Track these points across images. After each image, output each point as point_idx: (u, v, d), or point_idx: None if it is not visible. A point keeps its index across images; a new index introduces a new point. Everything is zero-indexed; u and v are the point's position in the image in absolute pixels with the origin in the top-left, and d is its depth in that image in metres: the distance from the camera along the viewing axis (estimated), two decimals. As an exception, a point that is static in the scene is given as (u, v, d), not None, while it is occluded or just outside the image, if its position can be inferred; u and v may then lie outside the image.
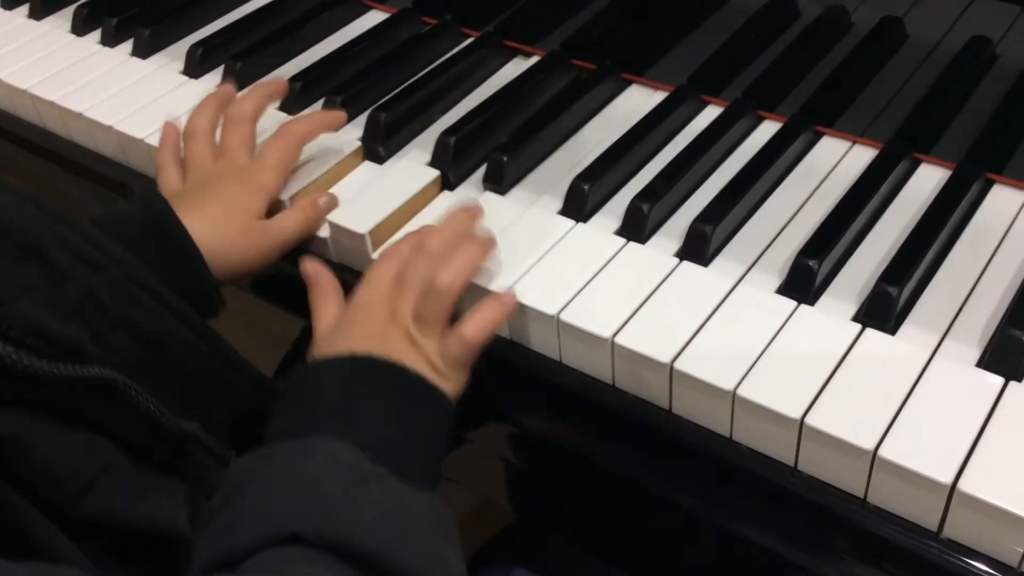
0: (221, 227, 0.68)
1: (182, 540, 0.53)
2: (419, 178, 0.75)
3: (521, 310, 0.64)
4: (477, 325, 0.63)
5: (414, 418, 0.59)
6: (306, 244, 0.74)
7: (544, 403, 0.68)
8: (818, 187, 0.72)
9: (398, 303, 0.64)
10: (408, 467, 0.56)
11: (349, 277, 0.69)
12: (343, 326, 0.65)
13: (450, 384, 0.63)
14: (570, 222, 0.70)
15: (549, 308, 0.63)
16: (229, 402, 0.63)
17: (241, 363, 0.64)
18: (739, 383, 0.57)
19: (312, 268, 0.70)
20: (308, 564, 0.48)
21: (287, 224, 0.72)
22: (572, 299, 0.64)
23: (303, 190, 0.75)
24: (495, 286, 0.65)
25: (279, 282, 0.79)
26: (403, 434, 0.59)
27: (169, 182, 0.75)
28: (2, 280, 0.49)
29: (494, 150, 0.76)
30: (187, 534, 0.53)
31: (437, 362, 0.62)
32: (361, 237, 0.70)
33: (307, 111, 0.85)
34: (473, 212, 0.69)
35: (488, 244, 0.67)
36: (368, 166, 0.79)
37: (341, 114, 0.80)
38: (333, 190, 0.76)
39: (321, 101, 0.85)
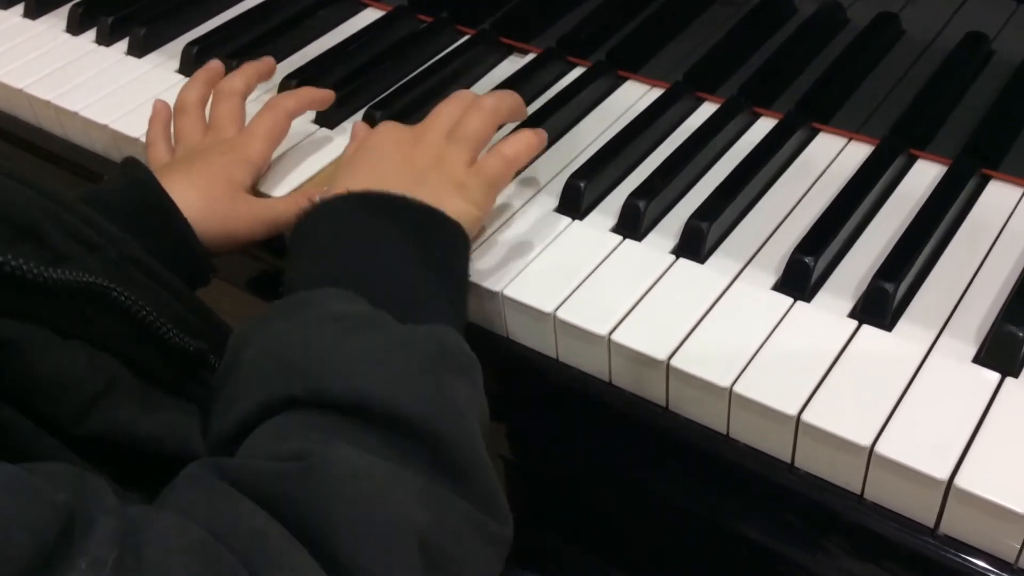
0: (205, 194, 0.68)
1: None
2: (415, 176, 0.75)
3: (518, 308, 0.64)
4: (516, 146, 0.65)
5: (425, 253, 0.59)
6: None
7: (541, 401, 0.68)
8: (814, 183, 0.73)
9: (426, 128, 0.66)
10: (423, 300, 0.56)
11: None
12: (364, 151, 0.65)
13: (475, 206, 0.63)
14: (566, 219, 0.70)
15: (546, 306, 0.63)
16: None
17: None
18: (736, 380, 0.57)
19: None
20: (304, 429, 0.47)
21: (276, 205, 0.72)
22: (569, 296, 0.64)
23: (298, 188, 0.75)
24: (490, 284, 0.65)
25: (278, 281, 0.79)
26: (412, 271, 0.58)
27: (158, 156, 0.76)
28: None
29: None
30: (200, 454, 0.52)
31: (466, 180, 0.63)
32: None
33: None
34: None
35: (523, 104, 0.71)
36: (364, 164, 0.79)
37: (330, 92, 0.80)
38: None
39: (317, 99, 0.84)
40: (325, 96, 0.79)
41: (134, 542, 0.38)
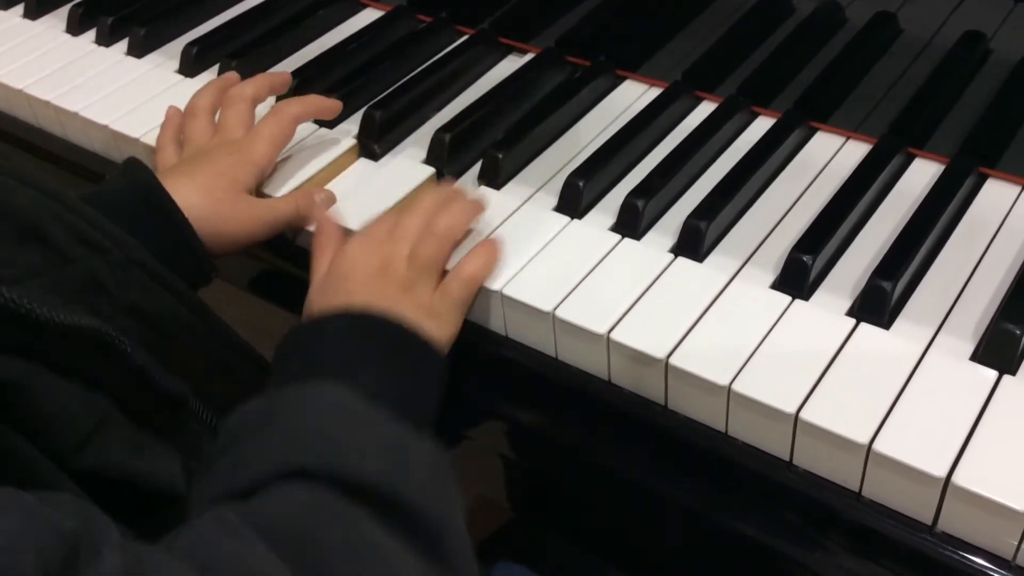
0: (208, 195, 0.68)
1: (181, 501, 0.53)
2: (414, 175, 0.75)
3: (517, 307, 0.65)
4: (476, 263, 0.65)
5: (406, 373, 0.59)
6: (296, 239, 0.74)
7: (540, 400, 0.68)
8: (812, 182, 0.73)
9: (393, 251, 0.65)
10: (411, 416, 0.56)
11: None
12: (334, 277, 0.65)
13: (446, 329, 0.63)
14: (565, 219, 0.70)
15: (545, 305, 0.63)
16: (228, 383, 0.63)
17: (240, 344, 0.64)
18: (734, 378, 0.57)
19: (322, 216, 0.70)
20: (316, 497, 0.48)
21: (278, 206, 0.72)
22: (568, 295, 0.64)
23: (299, 187, 0.75)
24: (489, 283, 0.65)
25: (278, 281, 0.79)
26: (396, 389, 0.59)
27: (167, 160, 0.76)
28: (7, 263, 0.50)
29: (489, 147, 0.76)
30: (185, 496, 0.53)
31: (434, 305, 0.63)
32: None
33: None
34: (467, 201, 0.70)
35: (479, 204, 0.69)
36: (363, 163, 0.79)
37: (337, 103, 0.80)
38: (328, 187, 0.76)
39: (316, 99, 0.85)
40: (331, 106, 0.79)
41: None
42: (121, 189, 0.66)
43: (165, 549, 0.43)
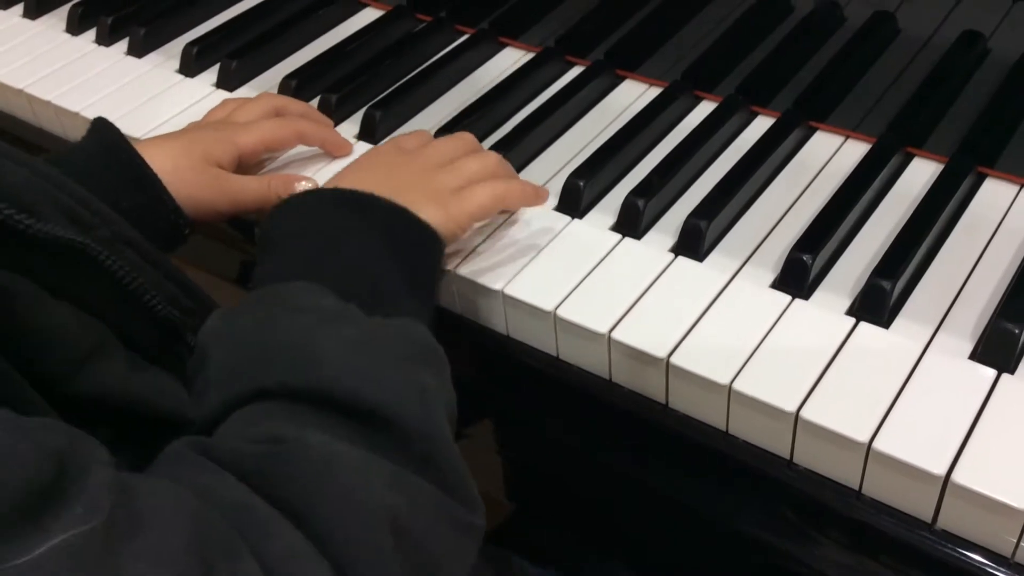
0: (175, 159, 0.68)
1: (186, 425, 0.52)
2: (415, 175, 0.75)
3: (518, 306, 0.65)
4: (512, 186, 0.66)
5: (395, 252, 0.59)
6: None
7: (541, 398, 0.68)
8: (812, 182, 0.73)
9: (419, 152, 0.66)
10: (388, 293, 0.56)
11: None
12: (351, 166, 0.66)
13: (452, 221, 0.63)
14: (566, 218, 0.71)
15: (546, 304, 0.64)
16: None
17: None
18: (735, 377, 0.58)
19: None
20: (276, 419, 0.48)
21: (247, 184, 0.72)
22: (569, 295, 0.64)
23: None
24: (491, 283, 0.65)
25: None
26: (381, 269, 0.59)
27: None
28: None
29: (489, 148, 0.76)
30: (189, 420, 0.53)
31: (448, 199, 0.63)
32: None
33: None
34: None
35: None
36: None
37: (348, 144, 0.79)
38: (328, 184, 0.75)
39: (317, 99, 0.85)
40: (340, 144, 0.78)
41: (127, 498, 0.39)
42: (90, 147, 0.67)
43: (150, 473, 0.44)
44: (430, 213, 0.62)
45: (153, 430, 0.51)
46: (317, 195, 0.62)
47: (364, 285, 0.57)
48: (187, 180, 0.68)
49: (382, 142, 0.69)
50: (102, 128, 0.68)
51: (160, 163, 0.67)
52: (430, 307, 0.61)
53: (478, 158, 0.68)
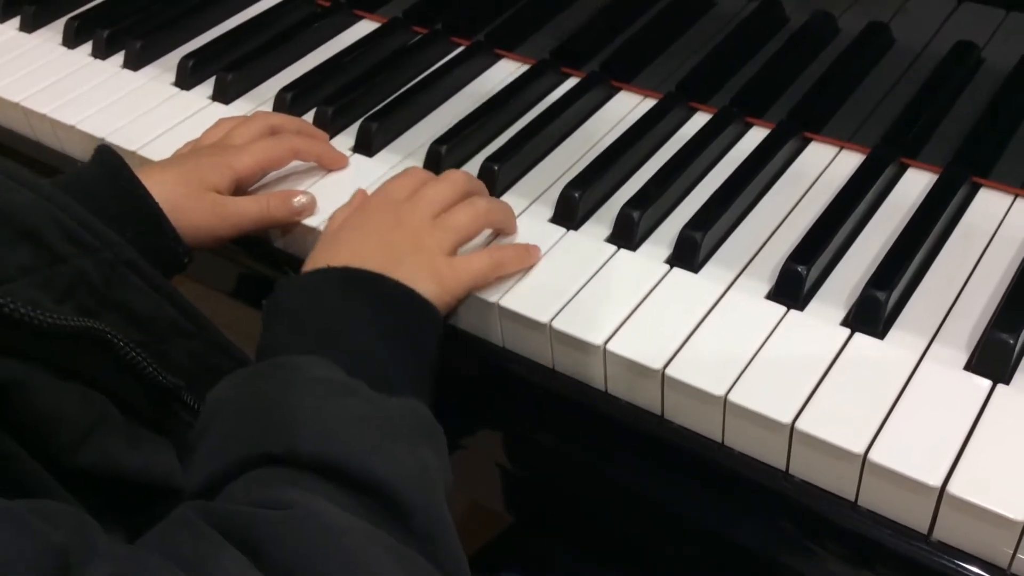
0: (172, 188, 0.69)
1: (178, 493, 0.53)
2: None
3: (513, 318, 0.65)
4: (508, 253, 0.65)
5: (399, 331, 0.60)
6: (284, 239, 0.74)
7: (537, 410, 0.68)
8: (806, 192, 0.73)
9: (412, 209, 0.65)
10: (394, 377, 0.57)
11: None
12: (347, 229, 0.66)
13: (448, 295, 0.64)
14: (561, 230, 0.71)
15: (541, 316, 0.64)
16: (214, 384, 0.64)
17: (229, 347, 0.65)
18: (730, 388, 0.58)
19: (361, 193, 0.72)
20: (283, 484, 0.48)
21: (244, 206, 0.72)
22: (564, 307, 0.64)
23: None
24: (486, 295, 0.65)
25: (262, 287, 0.80)
26: (386, 347, 0.59)
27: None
28: (0, 262, 0.50)
29: (485, 159, 0.76)
30: (182, 487, 0.53)
31: (443, 269, 0.63)
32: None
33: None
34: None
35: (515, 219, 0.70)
36: (358, 175, 0.79)
37: (343, 158, 0.79)
38: (323, 195, 0.75)
39: (313, 112, 0.85)
40: (336, 158, 0.78)
41: None
42: (94, 172, 0.67)
43: (145, 548, 0.44)
44: (429, 288, 0.62)
45: (145, 498, 0.52)
46: (324, 274, 0.62)
47: (371, 363, 0.58)
48: (185, 208, 0.69)
49: (374, 190, 0.68)
50: (105, 155, 0.68)
51: (157, 192, 0.67)
52: (430, 386, 0.61)
53: (468, 210, 0.67)
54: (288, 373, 0.55)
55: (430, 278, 0.62)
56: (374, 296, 0.61)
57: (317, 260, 0.64)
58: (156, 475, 0.53)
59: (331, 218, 0.70)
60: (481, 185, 0.72)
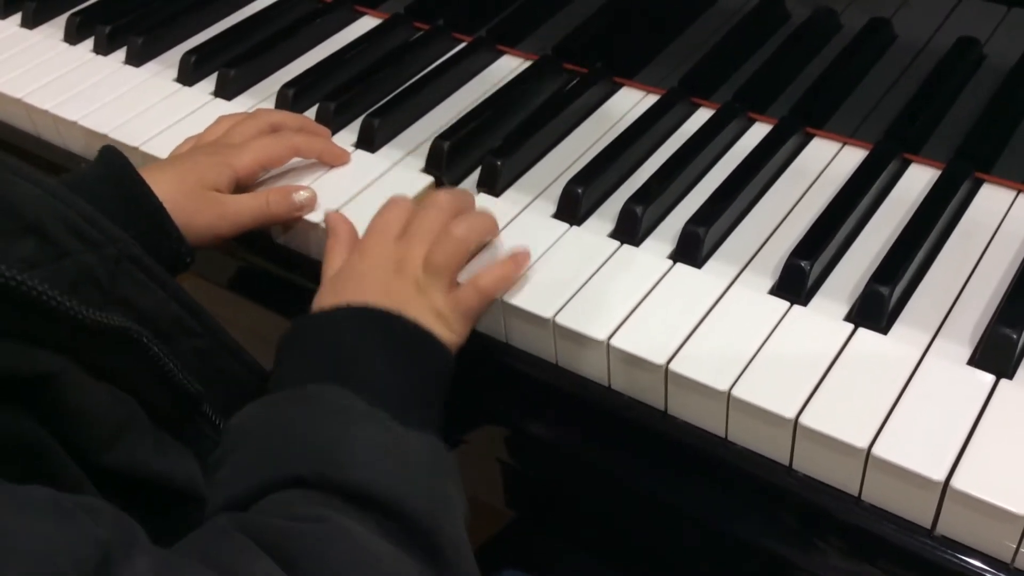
0: (172, 187, 0.69)
1: (197, 501, 0.53)
2: (413, 184, 0.76)
3: (517, 313, 0.65)
4: (493, 276, 0.65)
5: (413, 367, 0.60)
6: (285, 235, 0.75)
7: (540, 405, 0.68)
8: (809, 188, 0.73)
9: (407, 251, 0.65)
10: (407, 415, 0.57)
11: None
12: (348, 274, 0.66)
13: (455, 335, 0.63)
14: (564, 225, 0.71)
15: (545, 311, 0.64)
16: (223, 384, 0.64)
17: (234, 346, 0.65)
18: (734, 383, 0.58)
19: (333, 216, 0.71)
20: (312, 505, 0.49)
21: (243, 203, 0.72)
22: (567, 302, 0.64)
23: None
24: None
25: (274, 288, 0.80)
26: (402, 383, 0.59)
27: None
28: (5, 256, 0.50)
29: (488, 154, 0.76)
30: (204, 496, 0.54)
31: (444, 310, 0.63)
32: (357, 243, 0.71)
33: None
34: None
35: (495, 220, 0.69)
36: (361, 172, 0.79)
37: (345, 154, 0.79)
38: (324, 192, 0.75)
39: (315, 107, 0.85)
40: (338, 154, 0.78)
41: None
42: (99, 172, 0.67)
43: (186, 554, 0.44)
44: (436, 331, 0.62)
45: (167, 502, 0.53)
46: (343, 312, 0.62)
47: (387, 398, 0.58)
48: (186, 208, 0.69)
49: (365, 233, 0.68)
50: (110, 155, 0.68)
51: (157, 192, 0.67)
52: (442, 422, 0.61)
53: (449, 245, 0.65)
54: (313, 400, 0.55)
55: (435, 321, 0.63)
56: (389, 332, 0.61)
57: (323, 303, 0.64)
58: (180, 481, 0.54)
59: (328, 249, 0.70)
60: (468, 198, 0.71)
